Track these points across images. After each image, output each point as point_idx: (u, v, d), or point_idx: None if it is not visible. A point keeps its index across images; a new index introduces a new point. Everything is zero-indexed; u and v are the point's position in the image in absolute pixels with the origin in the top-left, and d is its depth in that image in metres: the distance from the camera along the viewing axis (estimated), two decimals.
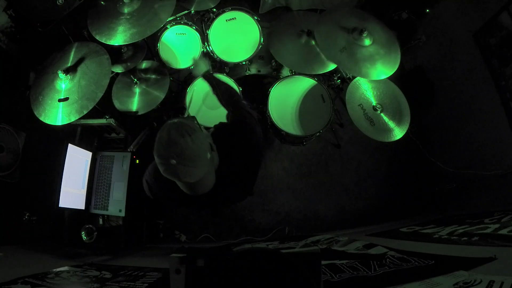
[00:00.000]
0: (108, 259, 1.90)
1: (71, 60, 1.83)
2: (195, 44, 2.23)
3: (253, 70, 2.38)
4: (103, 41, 1.81)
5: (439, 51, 2.58)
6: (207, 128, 1.19)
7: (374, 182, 2.72)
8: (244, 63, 2.19)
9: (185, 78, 2.56)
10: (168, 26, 2.19)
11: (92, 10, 1.90)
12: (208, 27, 2.17)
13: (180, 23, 2.22)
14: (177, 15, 2.24)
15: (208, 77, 1.61)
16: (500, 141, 2.10)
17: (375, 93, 2.00)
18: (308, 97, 2.16)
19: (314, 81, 2.17)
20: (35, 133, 2.54)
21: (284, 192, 2.66)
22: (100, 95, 1.70)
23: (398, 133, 1.93)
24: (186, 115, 1.91)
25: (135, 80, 2.07)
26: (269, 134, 2.56)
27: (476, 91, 2.28)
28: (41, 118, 1.74)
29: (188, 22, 2.23)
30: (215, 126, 1.32)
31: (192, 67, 1.67)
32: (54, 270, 1.56)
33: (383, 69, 1.77)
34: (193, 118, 1.09)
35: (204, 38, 2.19)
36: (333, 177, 2.71)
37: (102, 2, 1.90)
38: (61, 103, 1.73)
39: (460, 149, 2.44)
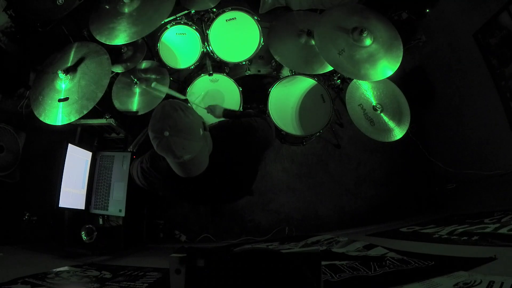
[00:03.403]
0: (108, 259, 1.90)
1: (71, 60, 1.83)
2: (195, 44, 2.23)
3: (253, 70, 2.39)
4: (103, 41, 1.81)
5: (439, 51, 2.59)
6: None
7: (374, 182, 2.72)
8: (244, 63, 2.19)
9: (185, 78, 2.56)
10: (168, 26, 2.19)
11: (94, 13, 1.90)
12: (208, 27, 2.17)
13: (180, 23, 2.22)
14: (177, 15, 2.24)
15: (227, 114, 1.66)
16: (500, 141, 2.10)
17: (375, 93, 2.00)
18: (308, 97, 2.16)
19: (314, 81, 2.17)
20: (35, 133, 2.55)
21: (284, 192, 2.66)
22: (100, 95, 1.70)
23: (398, 133, 1.93)
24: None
25: (135, 80, 2.07)
26: None
27: (476, 91, 2.28)
28: (41, 118, 1.74)
29: (188, 22, 2.23)
30: (219, 122, 1.33)
31: (208, 112, 1.71)
32: (54, 270, 1.56)
33: (384, 68, 1.76)
34: (185, 100, 1.11)
35: (204, 38, 2.19)
36: (333, 177, 2.71)
37: (106, 7, 1.89)
38: (61, 103, 1.73)
39: (460, 149, 2.44)
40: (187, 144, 0.96)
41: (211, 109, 1.66)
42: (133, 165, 1.25)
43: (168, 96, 2.02)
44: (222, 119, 1.63)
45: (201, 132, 1.01)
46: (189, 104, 2.02)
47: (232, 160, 1.18)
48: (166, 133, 0.93)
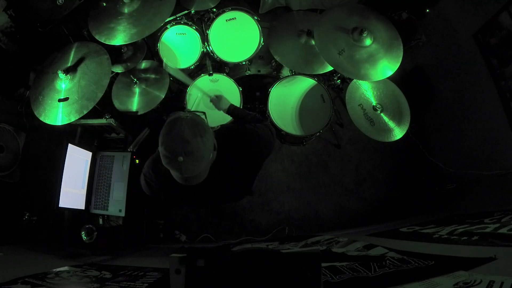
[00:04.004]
0: (108, 259, 1.90)
1: (71, 60, 1.83)
2: (195, 44, 2.23)
3: (253, 70, 2.38)
4: (102, 41, 1.81)
5: (439, 51, 2.58)
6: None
7: (374, 182, 2.72)
8: (244, 63, 2.19)
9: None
10: (168, 26, 2.19)
11: (93, 11, 1.90)
12: (208, 27, 2.17)
13: (180, 23, 2.22)
14: (177, 15, 2.24)
15: (232, 112, 1.60)
16: (500, 141, 2.10)
17: (375, 93, 2.00)
18: (308, 97, 2.16)
19: (314, 81, 2.17)
20: (35, 133, 2.55)
21: (284, 192, 2.66)
22: (100, 95, 1.70)
23: (398, 133, 1.93)
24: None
25: (135, 80, 2.07)
26: None
27: (476, 91, 2.28)
28: (41, 118, 1.74)
29: (188, 22, 2.23)
30: (223, 126, 1.33)
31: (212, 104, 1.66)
32: (54, 270, 1.56)
33: (384, 68, 1.76)
34: (203, 113, 1.11)
35: (204, 38, 2.19)
36: (333, 177, 2.71)
37: (104, 4, 1.90)
38: (61, 103, 1.73)
39: (460, 149, 2.44)
40: (196, 169, 0.99)
41: (217, 99, 1.61)
42: (141, 176, 1.26)
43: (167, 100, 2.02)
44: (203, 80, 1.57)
45: (211, 155, 1.03)
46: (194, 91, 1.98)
47: (234, 164, 1.18)
48: (181, 159, 0.93)
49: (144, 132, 2.14)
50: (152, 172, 1.19)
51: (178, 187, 1.15)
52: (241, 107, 2.11)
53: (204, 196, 1.25)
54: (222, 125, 1.33)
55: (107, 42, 1.80)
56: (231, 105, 1.60)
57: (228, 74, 2.19)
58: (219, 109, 1.63)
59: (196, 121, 1.00)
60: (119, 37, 1.80)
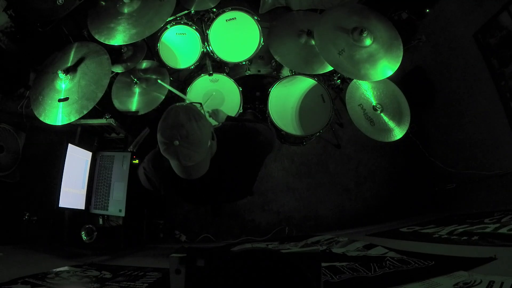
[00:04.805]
0: (108, 259, 1.90)
1: (71, 60, 1.83)
2: (195, 44, 2.23)
3: (253, 70, 2.38)
4: (102, 41, 1.81)
5: (439, 51, 2.59)
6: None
7: (374, 182, 2.72)
8: (244, 63, 2.19)
9: (185, 78, 2.56)
10: (168, 26, 2.19)
11: (92, 10, 1.90)
12: (208, 27, 2.17)
13: (180, 23, 2.22)
14: (177, 15, 2.24)
15: (231, 120, 1.63)
16: (500, 141, 2.10)
17: (375, 93, 2.00)
18: (308, 97, 2.16)
19: (314, 81, 2.17)
20: (35, 133, 2.55)
21: (284, 192, 2.66)
22: (100, 95, 1.70)
23: (398, 133, 1.93)
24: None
25: (135, 80, 2.07)
26: None
27: (476, 91, 2.28)
28: (41, 118, 1.74)
29: (188, 22, 2.23)
30: (222, 123, 1.33)
31: (210, 117, 1.66)
32: (54, 270, 1.56)
33: (384, 68, 1.76)
34: (200, 104, 1.11)
35: (204, 38, 2.19)
36: (333, 177, 2.71)
37: (102, 3, 1.90)
38: (61, 103, 1.73)
39: (460, 149, 2.44)
40: (193, 155, 0.98)
41: (214, 114, 1.65)
42: (139, 168, 1.26)
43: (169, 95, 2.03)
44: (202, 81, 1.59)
45: (209, 143, 1.03)
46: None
47: (234, 162, 1.18)
48: (176, 143, 0.94)
49: (144, 132, 2.14)
50: (152, 167, 1.19)
51: (178, 184, 1.15)
52: (241, 107, 2.11)
53: (204, 195, 1.25)
54: (223, 123, 1.33)
55: (106, 42, 1.80)
56: (229, 117, 1.63)
57: (228, 74, 2.19)
58: (218, 122, 1.65)
59: (191, 107, 1.02)
60: (119, 37, 1.80)
